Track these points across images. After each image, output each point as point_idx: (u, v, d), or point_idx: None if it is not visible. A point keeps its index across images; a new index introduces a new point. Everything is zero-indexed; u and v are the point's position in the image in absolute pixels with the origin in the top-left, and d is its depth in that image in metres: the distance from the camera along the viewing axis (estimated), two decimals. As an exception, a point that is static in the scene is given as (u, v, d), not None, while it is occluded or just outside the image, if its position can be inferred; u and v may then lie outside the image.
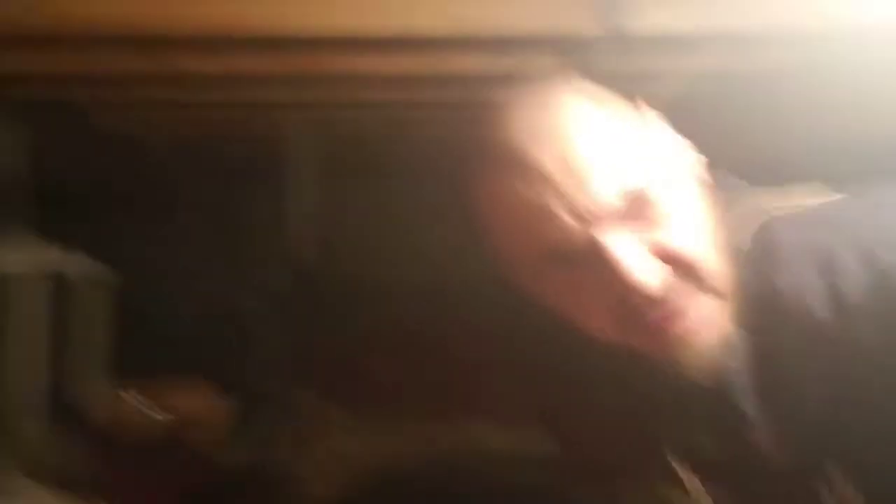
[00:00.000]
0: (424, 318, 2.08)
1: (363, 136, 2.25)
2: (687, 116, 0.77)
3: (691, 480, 0.76)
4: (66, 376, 2.00)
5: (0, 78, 1.51)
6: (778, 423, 0.67)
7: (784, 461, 0.68)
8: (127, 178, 2.33)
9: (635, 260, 0.60)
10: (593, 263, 0.61)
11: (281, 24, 1.12)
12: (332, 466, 1.78)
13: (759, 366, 0.66)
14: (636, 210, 0.61)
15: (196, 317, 2.15)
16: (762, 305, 0.65)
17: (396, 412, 1.85)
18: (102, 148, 2.22)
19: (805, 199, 0.68)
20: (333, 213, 2.41)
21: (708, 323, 0.63)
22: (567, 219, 0.61)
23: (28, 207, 2.18)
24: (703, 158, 0.69)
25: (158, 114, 2.08)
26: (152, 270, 2.27)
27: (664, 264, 0.61)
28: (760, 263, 0.65)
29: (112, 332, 2.05)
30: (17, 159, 2.19)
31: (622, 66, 1.25)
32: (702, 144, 0.69)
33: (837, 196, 0.68)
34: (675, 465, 0.77)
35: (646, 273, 0.60)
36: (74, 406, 1.91)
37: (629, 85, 0.69)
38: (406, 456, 1.65)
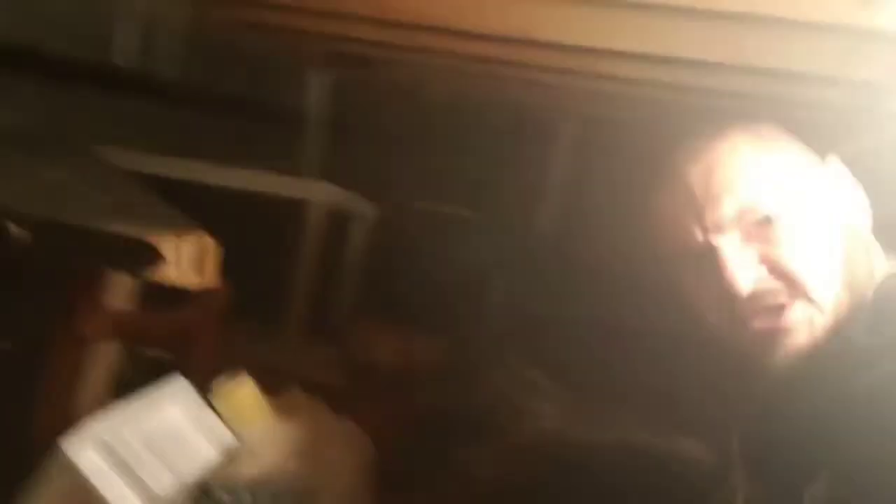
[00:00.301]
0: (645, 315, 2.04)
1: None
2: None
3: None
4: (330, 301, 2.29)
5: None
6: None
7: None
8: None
9: (739, 264, 0.73)
10: (708, 265, 0.75)
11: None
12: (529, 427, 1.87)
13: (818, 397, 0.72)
14: (757, 229, 0.74)
15: (441, 267, 2.30)
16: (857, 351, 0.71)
17: (601, 398, 1.86)
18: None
19: None
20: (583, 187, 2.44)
21: (802, 327, 0.73)
22: (694, 226, 0.76)
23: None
24: (867, 209, 0.80)
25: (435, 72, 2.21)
26: (414, 214, 2.47)
27: (770, 275, 0.73)
28: (868, 312, 0.73)
29: (369, 267, 2.29)
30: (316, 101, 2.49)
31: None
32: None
33: None
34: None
35: (744, 276, 0.73)
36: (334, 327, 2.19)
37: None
38: (599, 443, 1.68)
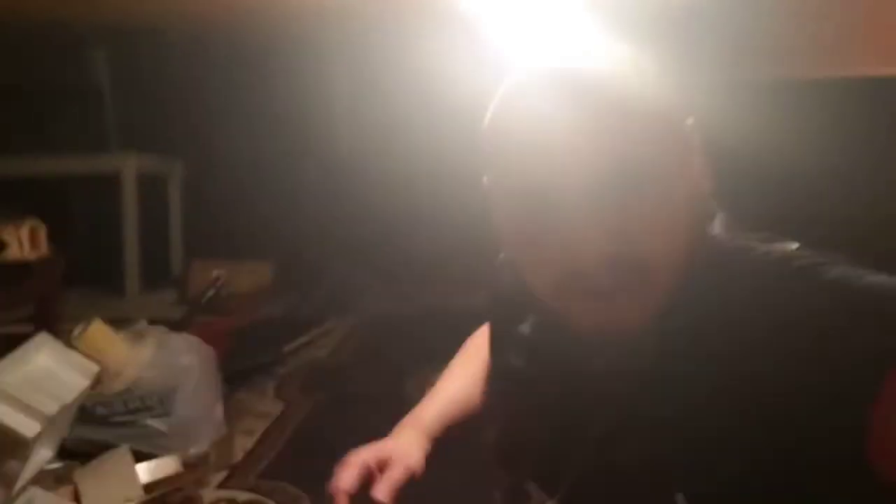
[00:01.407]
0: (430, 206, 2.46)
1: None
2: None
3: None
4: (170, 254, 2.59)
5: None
6: (648, 439, 0.67)
7: (640, 478, 0.68)
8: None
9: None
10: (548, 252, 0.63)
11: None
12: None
13: (663, 373, 0.66)
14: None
15: (254, 201, 2.64)
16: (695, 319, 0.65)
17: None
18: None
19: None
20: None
21: (634, 312, 0.63)
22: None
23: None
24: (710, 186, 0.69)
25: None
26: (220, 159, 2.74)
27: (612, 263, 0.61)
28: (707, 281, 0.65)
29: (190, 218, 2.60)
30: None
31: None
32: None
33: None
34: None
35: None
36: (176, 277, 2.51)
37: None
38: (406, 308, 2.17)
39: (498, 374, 0.91)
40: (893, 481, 0.54)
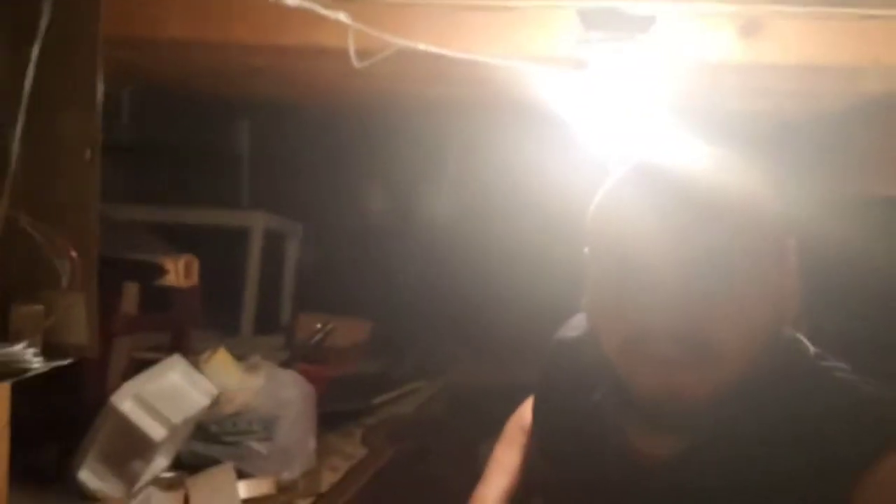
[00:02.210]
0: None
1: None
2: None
3: None
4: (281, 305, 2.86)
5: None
6: None
7: None
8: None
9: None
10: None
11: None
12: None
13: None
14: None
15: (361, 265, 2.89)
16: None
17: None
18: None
19: None
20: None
21: (693, 388, 0.71)
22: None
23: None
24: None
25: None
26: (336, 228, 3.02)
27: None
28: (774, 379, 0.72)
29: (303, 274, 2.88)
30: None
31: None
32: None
33: None
34: None
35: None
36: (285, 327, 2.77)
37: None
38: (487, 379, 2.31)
39: (545, 448, 1.03)
40: None
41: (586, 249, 0.83)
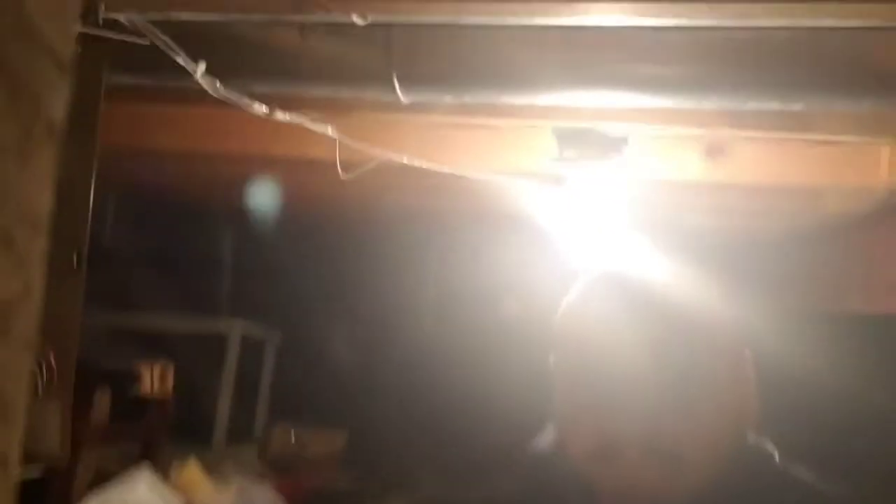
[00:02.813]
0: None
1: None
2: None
3: None
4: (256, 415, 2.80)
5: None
6: None
7: None
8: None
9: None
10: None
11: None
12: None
13: None
14: None
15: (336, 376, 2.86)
16: None
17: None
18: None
19: None
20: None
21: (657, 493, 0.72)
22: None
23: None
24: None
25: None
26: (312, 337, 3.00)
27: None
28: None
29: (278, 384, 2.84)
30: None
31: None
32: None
33: None
34: None
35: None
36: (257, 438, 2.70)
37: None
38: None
39: None
40: None
41: (552, 359, 0.84)
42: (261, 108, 1.04)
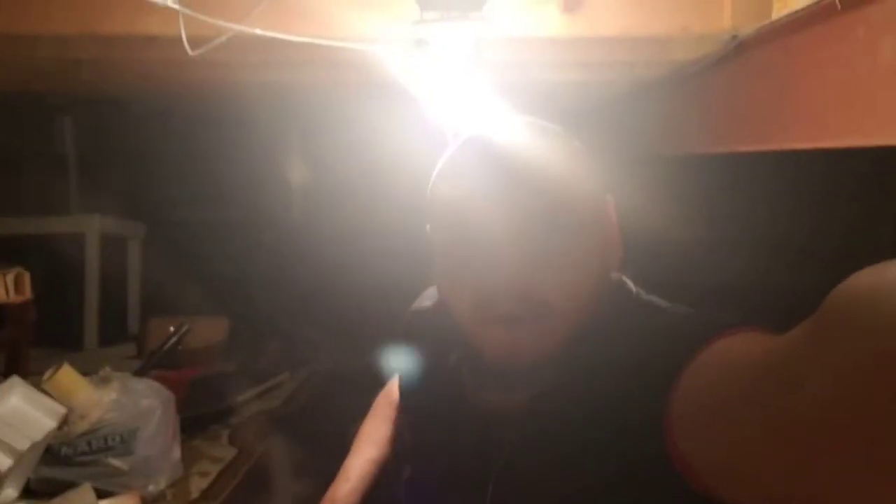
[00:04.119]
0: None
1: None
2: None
3: None
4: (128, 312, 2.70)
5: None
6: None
7: None
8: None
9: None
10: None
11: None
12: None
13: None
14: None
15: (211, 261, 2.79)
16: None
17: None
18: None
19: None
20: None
21: (536, 343, 0.77)
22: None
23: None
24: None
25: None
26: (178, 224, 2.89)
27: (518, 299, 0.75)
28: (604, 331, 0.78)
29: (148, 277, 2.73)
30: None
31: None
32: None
33: None
34: None
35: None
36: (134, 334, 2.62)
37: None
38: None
39: (408, 417, 1.07)
40: (701, 493, 0.61)
41: (428, 226, 0.87)
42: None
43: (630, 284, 0.86)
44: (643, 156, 1.99)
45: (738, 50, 1.24)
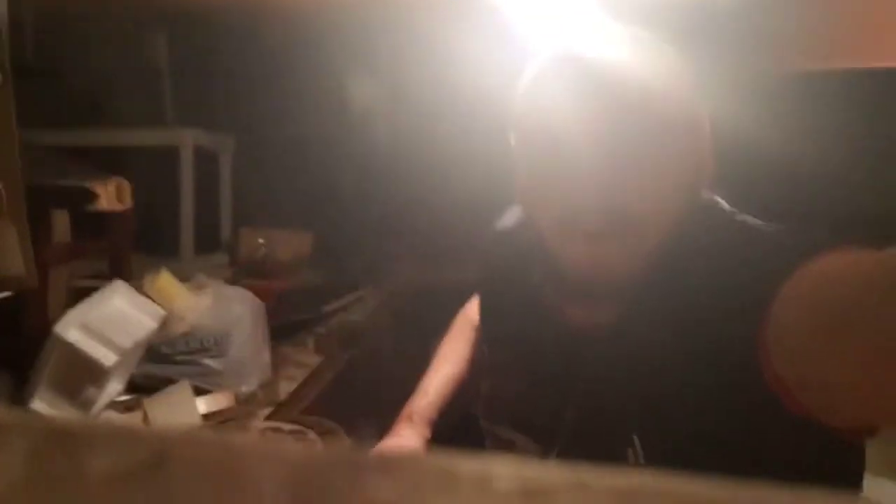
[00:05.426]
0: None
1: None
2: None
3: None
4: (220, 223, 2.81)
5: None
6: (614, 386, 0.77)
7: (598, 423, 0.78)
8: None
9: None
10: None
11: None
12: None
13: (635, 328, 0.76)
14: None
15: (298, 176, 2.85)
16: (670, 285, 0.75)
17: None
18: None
19: None
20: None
21: (622, 258, 0.76)
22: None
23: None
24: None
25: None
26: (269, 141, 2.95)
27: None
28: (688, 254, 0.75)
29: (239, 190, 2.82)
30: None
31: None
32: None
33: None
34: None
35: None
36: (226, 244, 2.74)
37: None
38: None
39: (489, 335, 1.07)
40: (795, 412, 0.61)
41: (512, 139, 0.85)
42: None
43: (723, 203, 0.83)
44: (742, 72, 1.88)
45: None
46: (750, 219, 0.79)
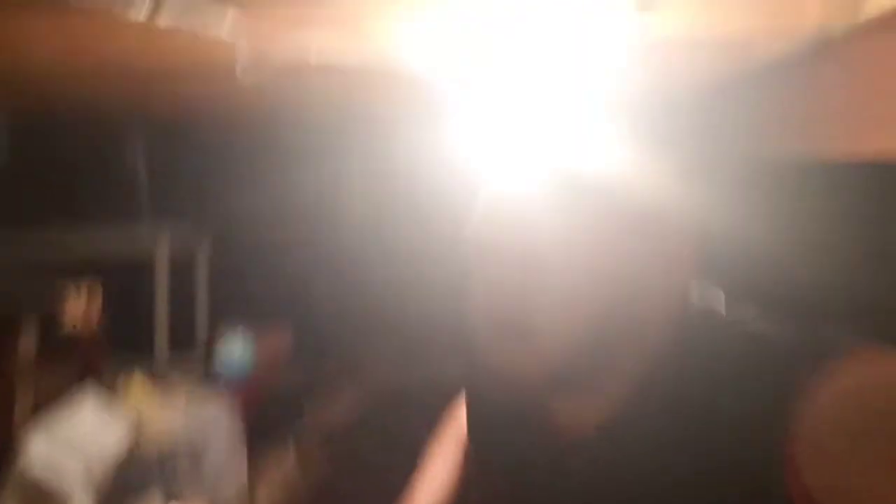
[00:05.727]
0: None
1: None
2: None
3: None
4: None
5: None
6: None
7: None
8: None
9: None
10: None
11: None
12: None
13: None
14: None
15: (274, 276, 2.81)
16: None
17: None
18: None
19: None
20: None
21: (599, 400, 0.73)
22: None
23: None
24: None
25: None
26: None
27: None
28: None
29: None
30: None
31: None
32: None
33: None
34: None
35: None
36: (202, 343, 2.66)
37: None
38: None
39: (477, 445, 1.02)
40: None
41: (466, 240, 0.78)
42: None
43: (718, 305, 0.78)
44: (732, 159, 1.88)
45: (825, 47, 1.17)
46: (750, 322, 0.74)
